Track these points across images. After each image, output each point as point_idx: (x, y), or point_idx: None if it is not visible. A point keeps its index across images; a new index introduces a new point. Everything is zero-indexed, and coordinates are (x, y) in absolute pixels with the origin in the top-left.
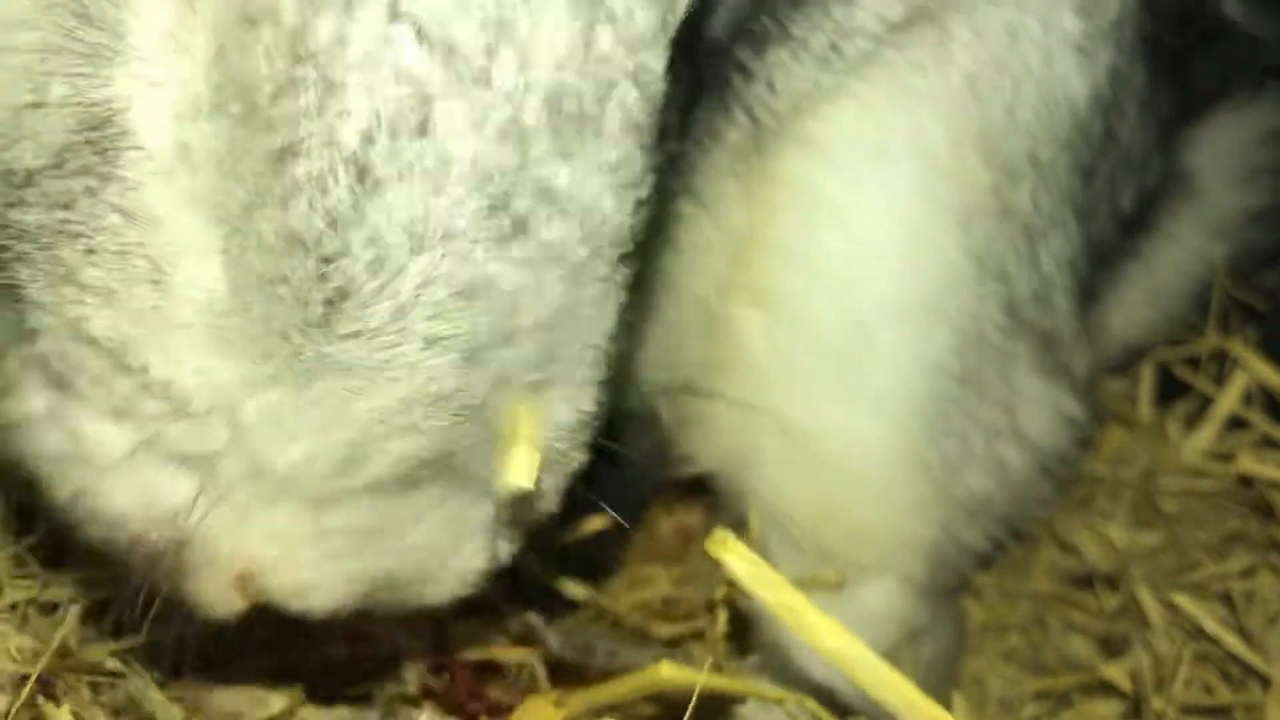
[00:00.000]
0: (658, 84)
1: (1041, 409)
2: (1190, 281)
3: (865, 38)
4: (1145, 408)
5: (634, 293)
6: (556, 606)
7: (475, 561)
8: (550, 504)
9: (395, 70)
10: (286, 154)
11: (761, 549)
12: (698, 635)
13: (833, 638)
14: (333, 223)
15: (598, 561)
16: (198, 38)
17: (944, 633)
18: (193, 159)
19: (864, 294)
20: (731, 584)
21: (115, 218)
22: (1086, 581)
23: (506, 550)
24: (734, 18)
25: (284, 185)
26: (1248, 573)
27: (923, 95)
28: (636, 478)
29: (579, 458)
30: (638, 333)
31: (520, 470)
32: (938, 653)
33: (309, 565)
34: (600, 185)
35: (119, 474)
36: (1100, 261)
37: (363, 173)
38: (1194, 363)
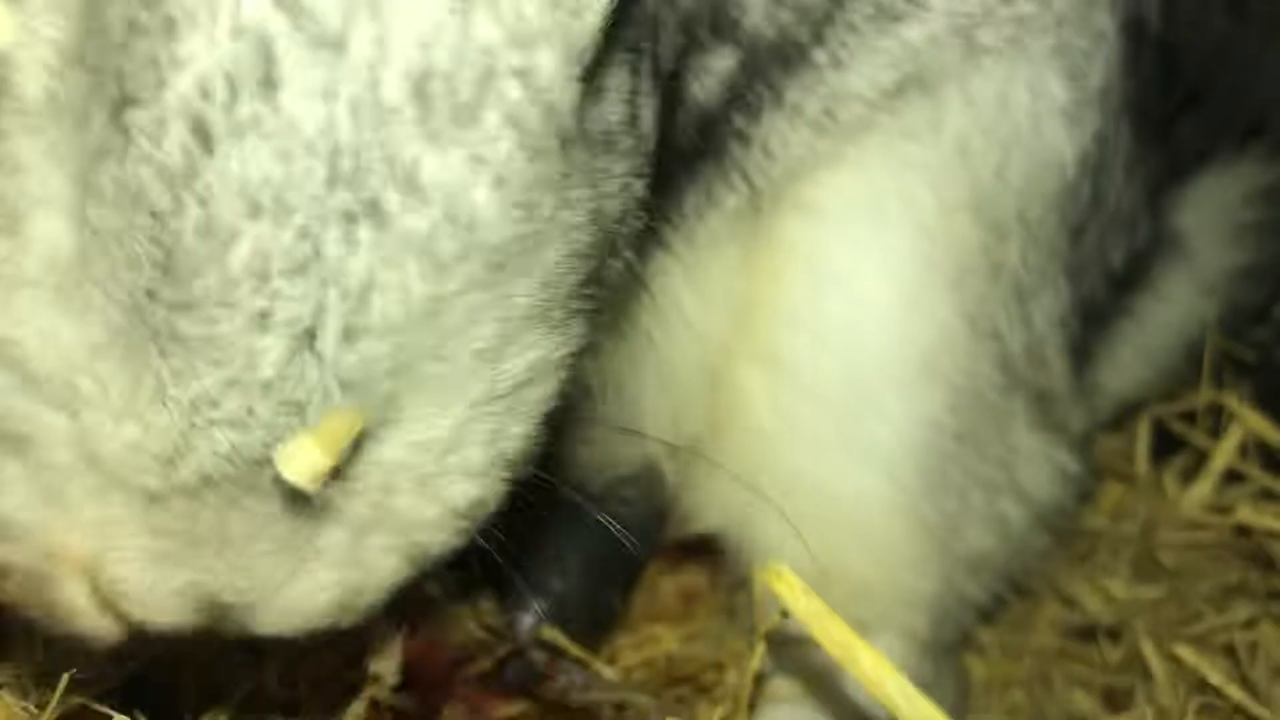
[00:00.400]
0: (554, 92)
1: (1039, 464)
2: (1182, 339)
3: (859, 103)
4: (1142, 463)
5: (590, 330)
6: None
7: (317, 597)
8: (430, 542)
9: (236, 21)
10: (127, 102)
11: (762, 607)
12: (702, 692)
13: (884, 675)
14: (164, 177)
15: (600, 622)
16: None
17: (947, 689)
18: (58, 109)
19: (862, 355)
20: (785, 614)
21: None
22: (1089, 635)
23: (369, 594)
24: (723, 86)
25: (122, 135)
26: (1250, 624)
27: (915, 162)
28: (637, 538)
29: (470, 493)
30: (627, 383)
31: (302, 460)
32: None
33: (138, 566)
34: (473, 179)
35: None
36: (1092, 319)
37: (198, 127)
38: (1189, 417)
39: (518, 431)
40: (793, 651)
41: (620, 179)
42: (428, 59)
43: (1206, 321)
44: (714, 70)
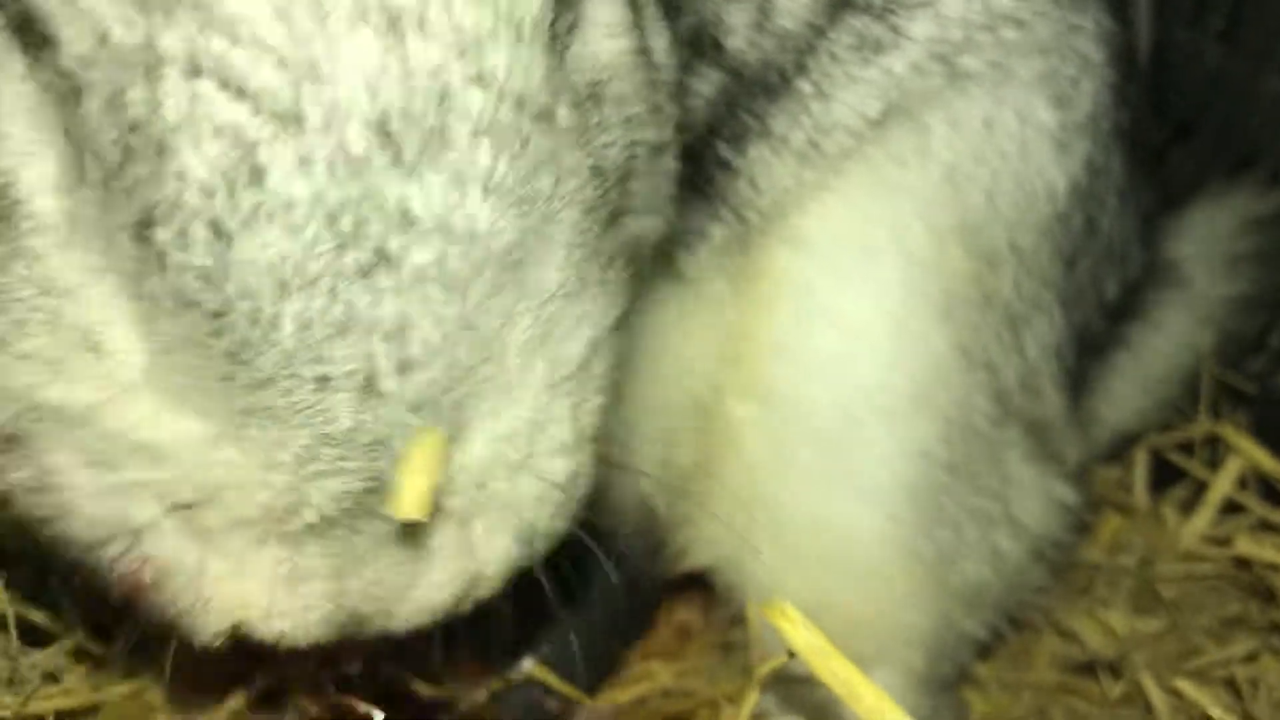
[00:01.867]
0: (514, 80)
1: (1035, 496)
2: (1178, 369)
3: (844, 133)
4: (1140, 494)
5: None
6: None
7: (441, 591)
8: (536, 518)
9: (212, 124)
10: (146, 221)
11: (758, 644)
12: None
13: (887, 712)
14: (206, 280)
15: (603, 675)
16: (48, 112)
17: None
18: (80, 228)
19: (851, 387)
20: (791, 654)
21: (29, 290)
22: (1089, 670)
23: (487, 579)
24: (708, 110)
25: (153, 251)
26: (1251, 658)
27: (903, 189)
28: (645, 577)
29: (566, 467)
30: (629, 415)
31: (407, 499)
32: None
33: (288, 608)
34: (462, 198)
35: (96, 507)
36: (1087, 349)
37: (215, 228)
38: (1187, 448)
39: (594, 404)
40: (791, 687)
41: (618, 127)
42: (380, 103)
43: (1202, 351)
44: (696, 93)
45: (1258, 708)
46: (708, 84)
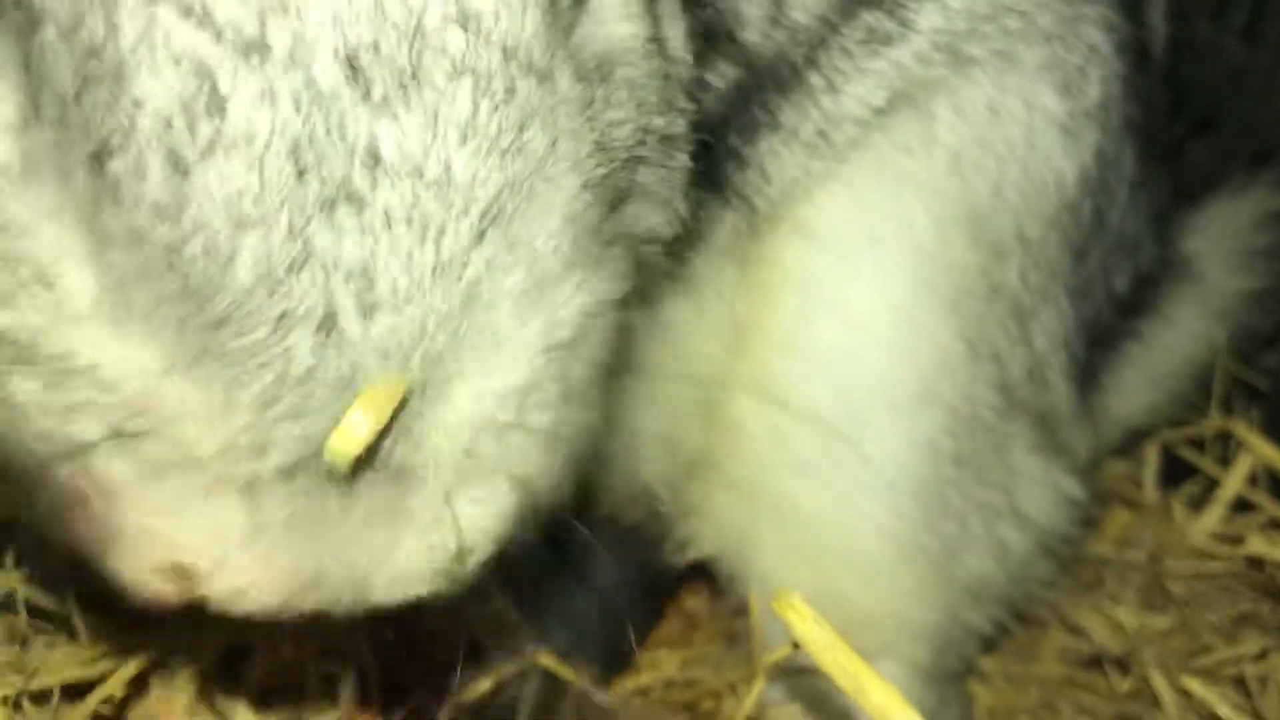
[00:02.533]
0: (502, 28)
1: (1041, 489)
2: (1191, 364)
3: (852, 124)
4: (1150, 490)
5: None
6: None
7: (417, 561)
8: (510, 499)
9: (170, 52)
10: (102, 152)
11: (762, 635)
12: (701, 719)
13: (894, 708)
14: (159, 213)
15: (613, 665)
16: (5, 47)
17: (951, 718)
18: (35, 167)
19: (856, 379)
20: (796, 645)
21: None
22: (1096, 665)
23: (470, 559)
24: (721, 105)
25: (108, 184)
26: (1260, 656)
27: (909, 178)
28: (655, 567)
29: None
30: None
31: (338, 436)
32: None
33: (243, 563)
34: (437, 140)
35: (41, 421)
36: (1097, 342)
37: (172, 159)
38: (1198, 444)
39: (582, 375)
40: (796, 677)
41: (627, 108)
42: (350, 36)
43: (1216, 347)
44: (710, 86)
45: (1266, 706)
46: (721, 78)
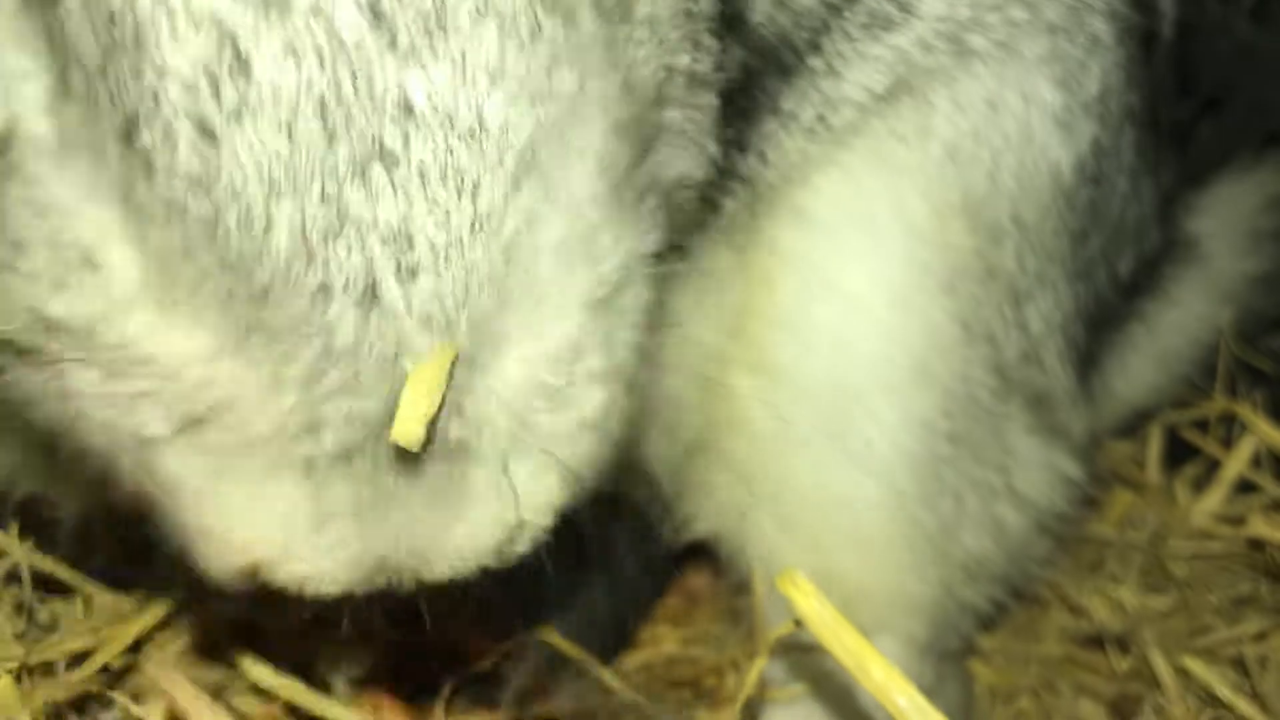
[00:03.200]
0: None
1: (1038, 469)
2: (1195, 345)
3: (851, 109)
4: (1154, 471)
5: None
6: (560, 669)
7: (481, 535)
8: (573, 456)
9: (189, 13)
10: (131, 125)
11: (764, 613)
12: (702, 696)
13: (895, 686)
14: (193, 184)
15: (616, 645)
16: (31, 20)
17: (950, 694)
18: (70, 145)
19: (851, 358)
20: (798, 623)
21: (26, 212)
22: (1097, 644)
23: (530, 525)
24: (726, 86)
25: (140, 158)
26: (1260, 637)
27: (905, 165)
28: (659, 545)
29: (599, 398)
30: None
31: (400, 423)
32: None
33: (309, 550)
34: (466, 85)
35: (102, 408)
36: (1099, 325)
37: (200, 126)
38: (1202, 426)
39: (626, 338)
40: (798, 655)
41: (650, 45)
42: None
43: (1220, 328)
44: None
45: (1265, 686)
46: (730, 60)
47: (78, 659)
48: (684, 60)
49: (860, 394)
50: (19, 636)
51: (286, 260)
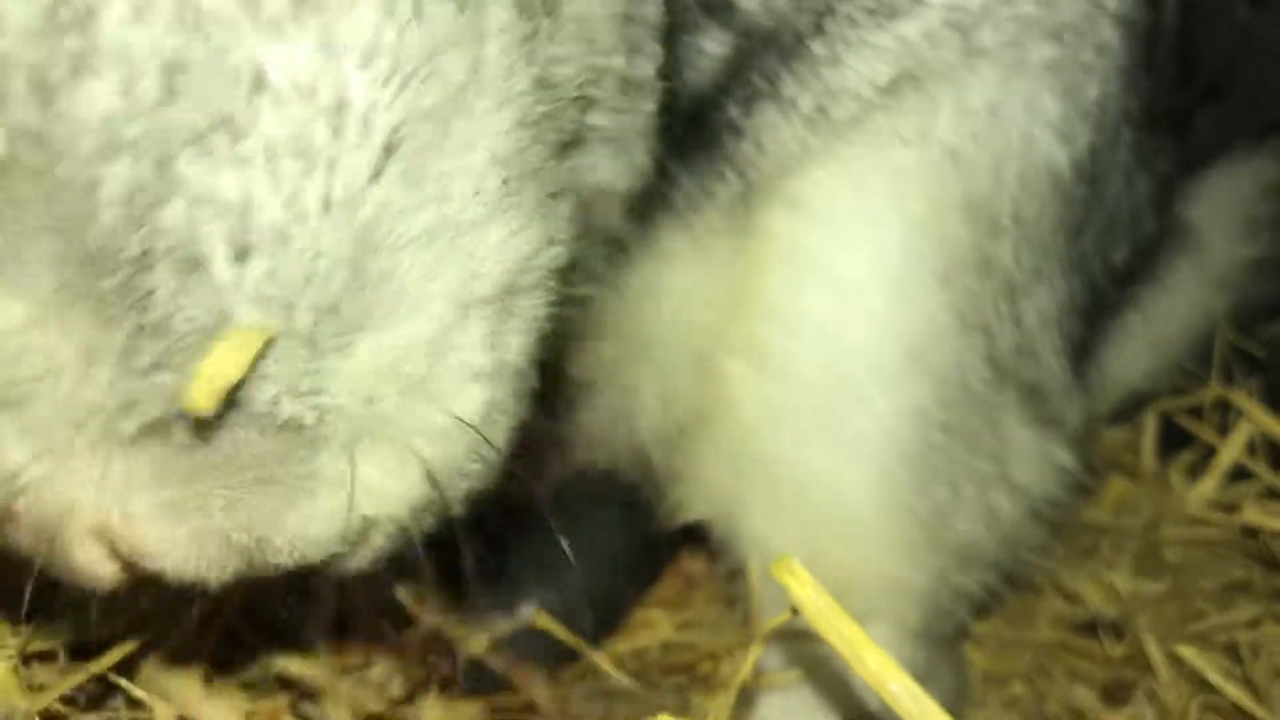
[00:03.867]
0: None
1: (1032, 459)
2: (1190, 330)
3: (853, 101)
4: (1149, 458)
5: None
6: (553, 655)
7: (320, 523)
8: (443, 456)
9: None
10: None
11: (760, 599)
12: (698, 681)
13: (889, 674)
14: (25, 138)
15: (607, 625)
16: None
17: (944, 680)
18: None
19: (845, 347)
20: (794, 611)
21: None
22: (1091, 630)
23: (384, 520)
24: (716, 71)
25: None
26: (1253, 624)
27: (906, 166)
28: (654, 529)
29: (479, 397)
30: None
31: (192, 389)
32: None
33: (147, 519)
34: (330, 64)
35: None
36: (1093, 315)
37: (35, 78)
38: (1197, 413)
39: (517, 342)
40: (794, 641)
41: (575, 44)
42: None
43: (1215, 314)
44: (707, 53)
45: (1257, 673)
46: (719, 44)
47: (79, 648)
48: (618, 63)
49: (853, 382)
50: (14, 629)
51: (111, 225)
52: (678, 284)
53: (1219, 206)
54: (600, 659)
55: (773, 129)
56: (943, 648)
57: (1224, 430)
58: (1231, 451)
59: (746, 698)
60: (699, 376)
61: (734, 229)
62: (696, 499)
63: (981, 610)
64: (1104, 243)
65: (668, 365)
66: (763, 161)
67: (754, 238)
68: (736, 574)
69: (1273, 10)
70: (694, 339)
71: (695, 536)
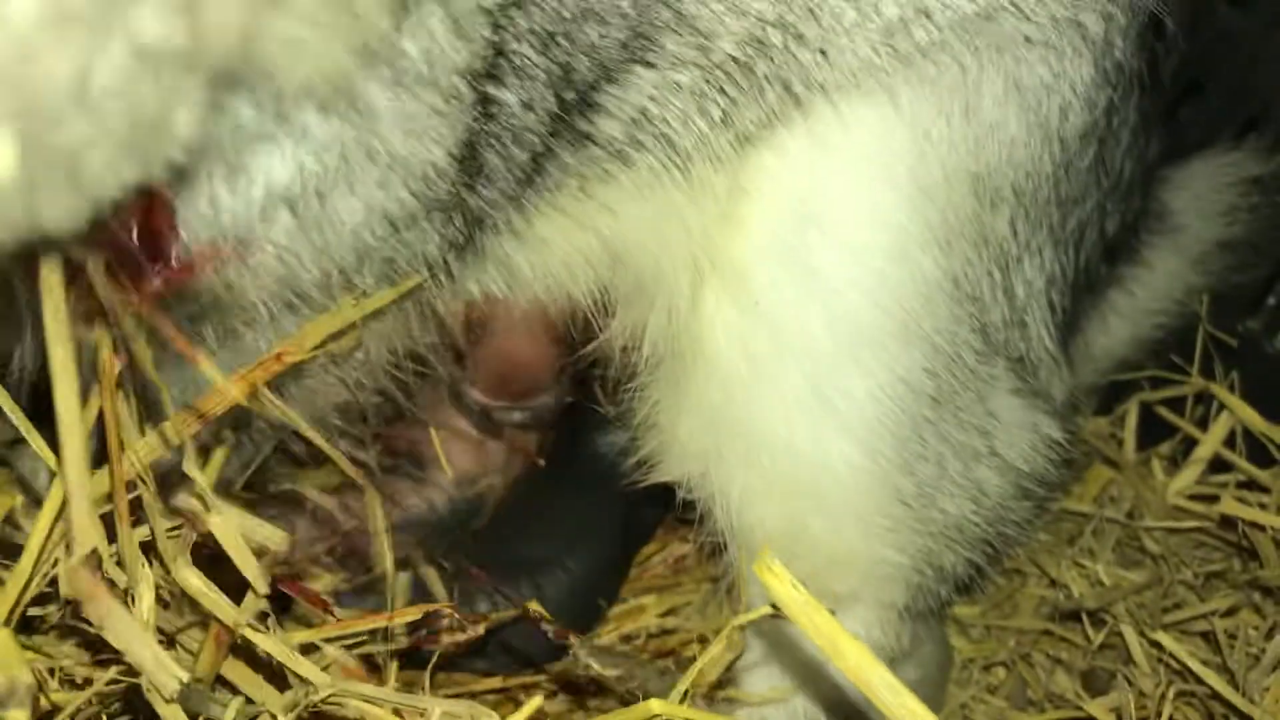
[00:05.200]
0: None
1: (1019, 430)
2: (1169, 301)
3: (868, 63)
4: (1130, 449)
5: None
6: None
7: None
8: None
9: None
10: None
11: (739, 573)
12: (684, 667)
13: (869, 669)
14: None
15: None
16: None
17: (926, 657)
18: None
19: (842, 307)
20: (775, 609)
21: None
22: (1072, 617)
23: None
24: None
25: None
26: (1230, 612)
27: (939, 136)
28: (635, 514)
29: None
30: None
31: None
32: (920, 677)
33: None
34: None
35: None
36: (1080, 290)
37: None
38: (1178, 404)
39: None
40: (779, 637)
41: None
42: None
43: (1194, 295)
44: None
45: (1234, 661)
46: None
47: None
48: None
49: (847, 345)
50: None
51: None
52: (661, 212)
53: (1199, 194)
54: (591, 646)
55: (838, 45)
56: (926, 621)
57: (1205, 421)
58: (1211, 443)
59: (732, 678)
60: (674, 316)
61: (732, 163)
62: (671, 457)
63: (967, 586)
64: (1103, 212)
65: (642, 294)
66: (818, 73)
67: (754, 173)
68: (718, 550)
69: (1253, 8)
70: (686, 237)
71: (683, 521)
